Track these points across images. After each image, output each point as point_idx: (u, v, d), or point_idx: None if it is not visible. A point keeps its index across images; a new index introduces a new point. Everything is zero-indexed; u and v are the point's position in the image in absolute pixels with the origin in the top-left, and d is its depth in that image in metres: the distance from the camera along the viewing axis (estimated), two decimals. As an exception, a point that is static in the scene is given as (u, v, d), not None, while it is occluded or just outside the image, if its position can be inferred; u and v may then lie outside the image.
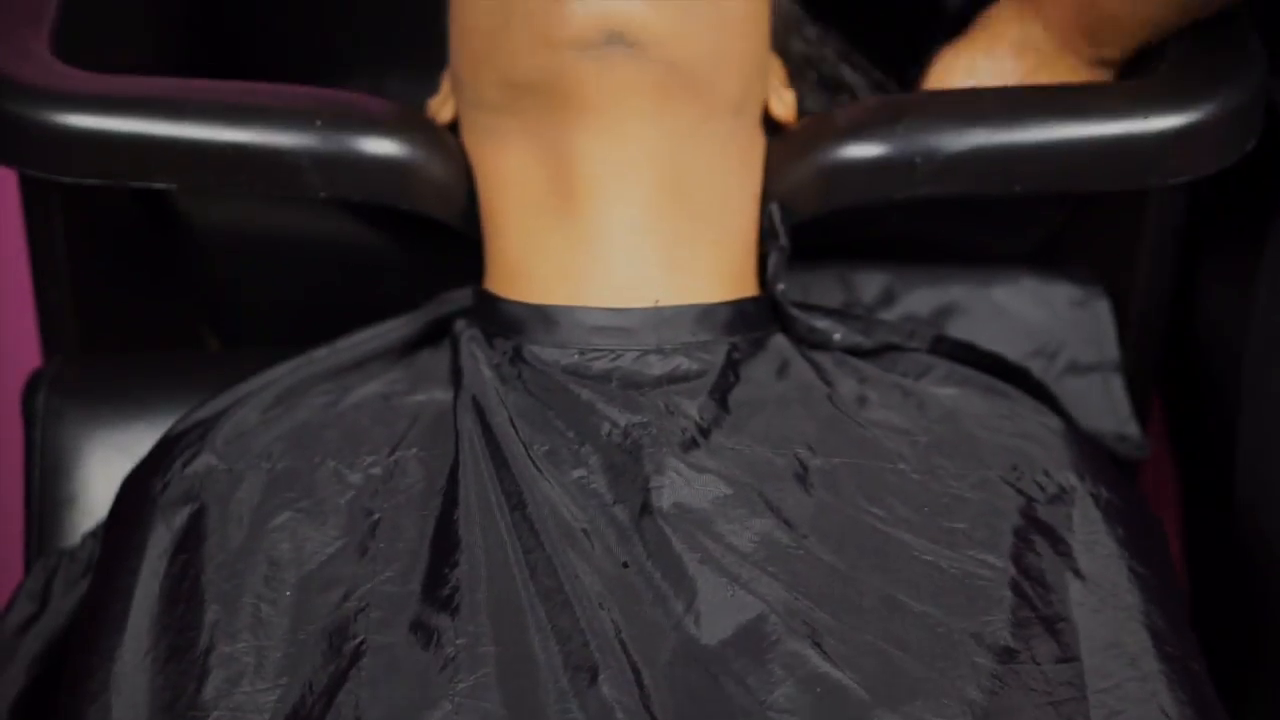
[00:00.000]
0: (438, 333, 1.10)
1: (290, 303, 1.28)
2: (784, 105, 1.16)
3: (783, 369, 1.07)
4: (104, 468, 1.18)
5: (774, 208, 1.11)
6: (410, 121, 1.12)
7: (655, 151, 1.07)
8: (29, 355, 1.29)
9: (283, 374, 1.08)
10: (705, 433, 1.03)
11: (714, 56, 1.07)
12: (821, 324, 1.09)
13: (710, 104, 1.08)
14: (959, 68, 1.20)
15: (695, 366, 1.05)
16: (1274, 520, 1.15)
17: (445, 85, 1.17)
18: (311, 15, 1.42)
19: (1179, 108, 1.10)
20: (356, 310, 1.14)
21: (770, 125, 1.15)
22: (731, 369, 1.05)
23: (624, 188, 1.06)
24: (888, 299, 1.22)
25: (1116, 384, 1.22)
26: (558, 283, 1.07)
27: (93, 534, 1.14)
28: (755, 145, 1.12)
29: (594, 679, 0.94)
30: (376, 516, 1.01)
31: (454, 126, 1.15)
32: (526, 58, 1.06)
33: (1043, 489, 1.04)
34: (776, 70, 1.17)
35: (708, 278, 1.08)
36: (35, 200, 1.20)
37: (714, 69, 1.07)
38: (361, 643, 0.96)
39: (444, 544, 0.99)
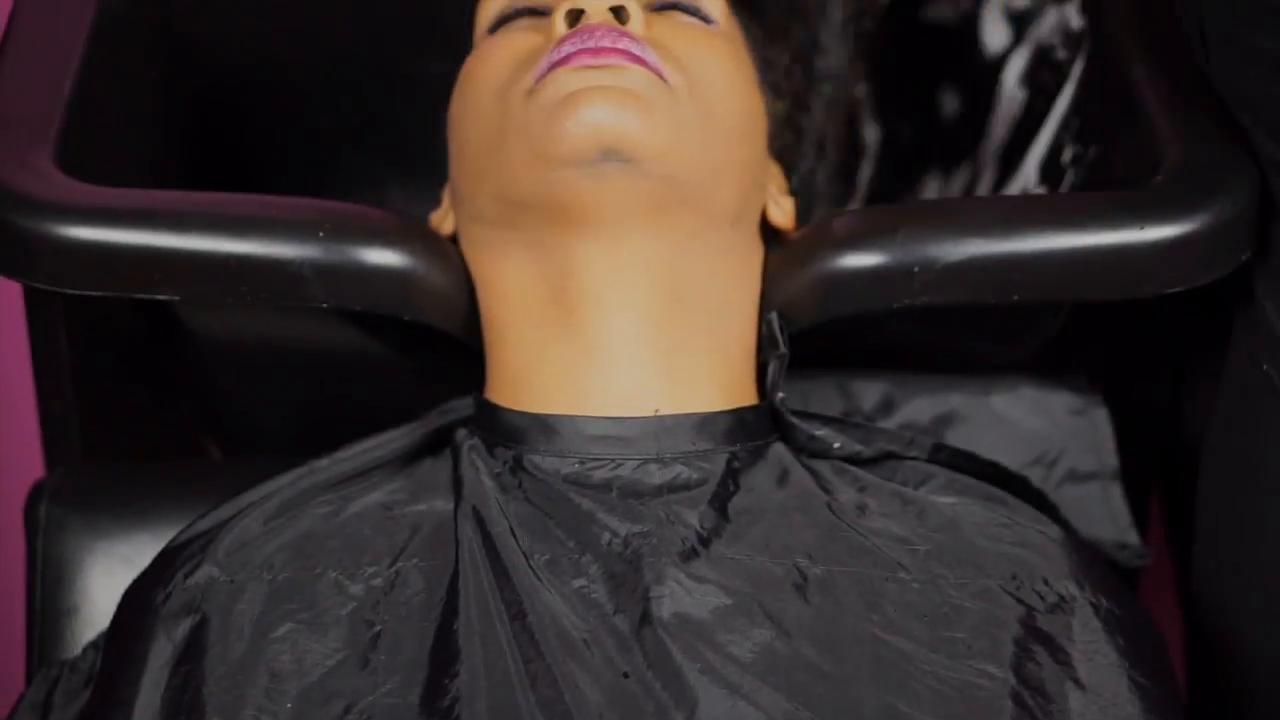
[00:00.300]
0: (439, 442, 1.11)
1: (292, 411, 1.28)
2: (782, 213, 1.17)
3: (783, 477, 1.07)
4: (106, 578, 1.18)
5: (773, 316, 1.12)
6: (411, 232, 1.13)
7: (654, 262, 1.07)
8: (31, 465, 1.30)
9: (284, 484, 1.08)
10: (705, 542, 1.03)
11: (711, 168, 1.08)
12: (821, 432, 1.10)
13: (708, 215, 1.09)
14: None
15: (695, 475, 1.05)
16: (1232, 641, 1.15)
17: (446, 199, 1.18)
18: (313, 127, 1.43)
19: (1174, 218, 1.11)
20: (358, 419, 1.14)
21: (768, 232, 1.16)
22: (731, 478, 1.05)
23: (623, 297, 1.07)
24: (887, 407, 1.22)
25: (1116, 492, 1.23)
26: (558, 392, 1.07)
27: (94, 644, 1.14)
28: (754, 253, 1.13)
29: (595, 788, 0.94)
30: (378, 629, 1.01)
31: (455, 238, 1.16)
32: (523, 174, 1.07)
33: (1042, 598, 1.04)
34: (775, 177, 1.18)
35: (707, 386, 1.08)
36: (39, 311, 1.21)
37: (711, 181, 1.08)
38: (363, 756, 0.97)
39: (444, 654, 0.99)
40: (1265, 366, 1.10)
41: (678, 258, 1.08)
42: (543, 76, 1.07)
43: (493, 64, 1.11)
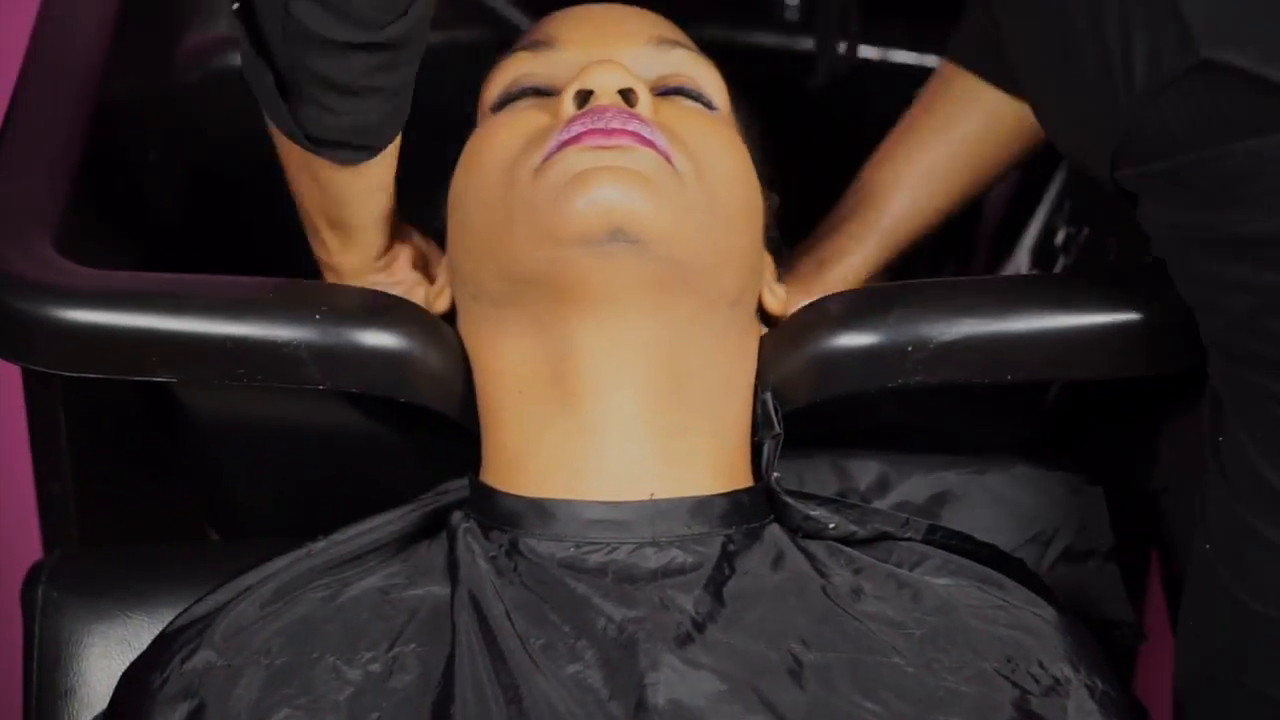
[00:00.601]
0: (435, 524, 1.11)
1: (289, 492, 1.28)
2: (776, 300, 1.17)
3: (778, 561, 1.07)
4: (103, 661, 1.18)
5: (768, 396, 1.12)
6: (408, 314, 1.13)
7: (654, 343, 1.08)
8: (29, 547, 1.30)
9: (281, 567, 1.09)
10: (700, 627, 1.03)
11: (713, 252, 1.09)
12: (816, 512, 1.10)
13: (709, 298, 1.09)
14: None
15: (690, 559, 1.05)
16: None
17: (442, 275, 1.19)
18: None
19: (1167, 299, 1.11)
20: (355, 499, 1.14)
21: (763, 316, 1.17)
22: (726, 561, 1.06)
23: (622, 379, 1.07)
24: (883, 486, 1.22)
25: (1112, 570, 1.23)
26: (554, 475, 1.07)
27: (92, 727, 1.14)
28: (750, 337, 1.14)
29: None
30: (375, 715, 1.01)
31: (450, 315, 1.17)
32: (528, 252, 1.07)
33: (1037, 681, 1.04)
34: (769, 265, 1.19)
35: (703, 469, 1.08)
36: (37, 393, 1.21)
37: (713, 264, 1.09)
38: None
39: (441, 738, 0.99)
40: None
41: (677, 339, 1.08)
42: (552, 155, 1.07)
43: (499, 142, 1.11)
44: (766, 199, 1.17)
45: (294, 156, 1.13)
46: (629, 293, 1.06)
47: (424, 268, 1.21)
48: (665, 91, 1.15)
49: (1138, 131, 1.00)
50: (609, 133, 1.06)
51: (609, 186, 1.05)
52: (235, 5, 1.06)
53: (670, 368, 1.08)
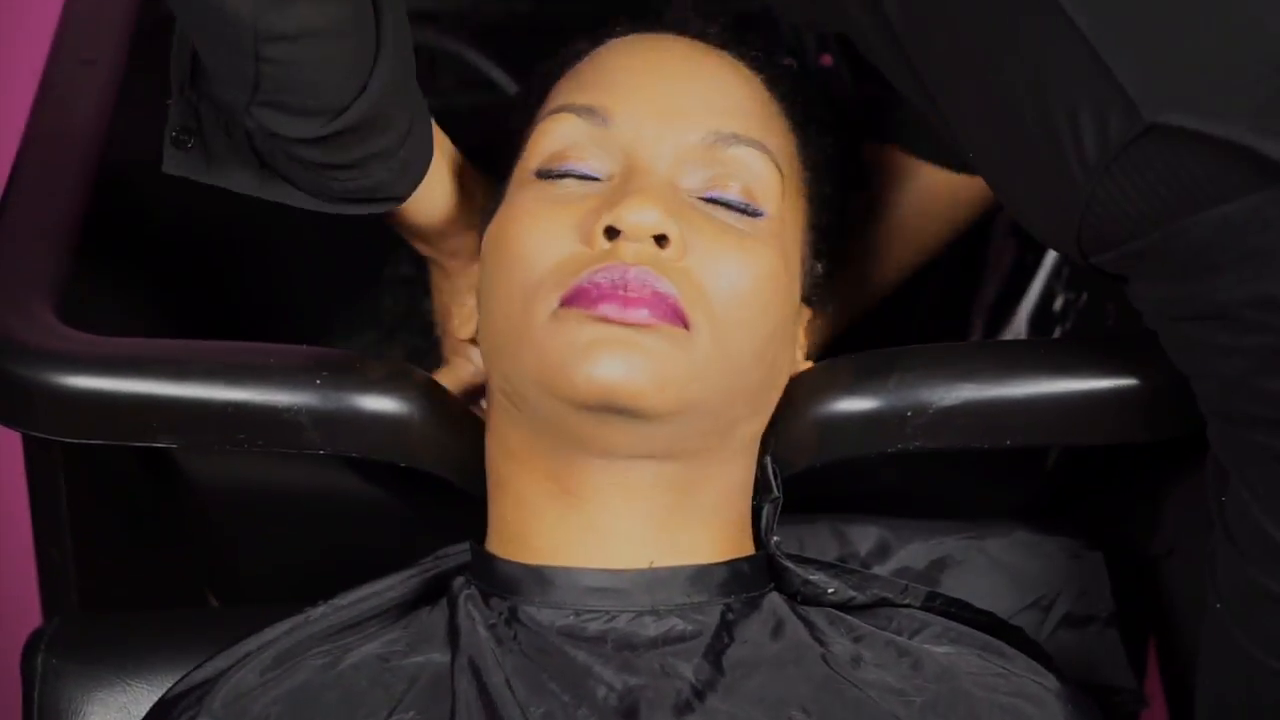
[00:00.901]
0: (435, 590, 1.11)
1: (289, 557, 1.28)
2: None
3: (777, 629, 1.07)
4: (103, 728, 1.18)
5: (768, 461, 1.12)
6: (409, 379, 1.13)
7: (660, 472, 1.07)
8: (29, 613, 1.29)
9: (281, 633, 1.08)
10: (701, 695, 1.03)
11: (726, 401, 1.07)
12: (815, 578, 1.10)
13: (720, 432, 1.08)
14: None
15: (690, 628, 1.05)
16: None
17: (471, 299, 1.18)
18: (309, 280, 1.44)
19: (1165, 364, 1.11)
20: (355, 565, 1.14)
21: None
22: (726, 630, 1.06)
23: (627, 491, 1.07)
24: (883, 551, 1.23)
25: (1112, 636, 1.23)
26: (554, 544, 1.07)
27: (91, 795, 1.14)
28: (764, 426, 1.13)
29: None
30: (375, 783, 1.01)
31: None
32: (536, 395, 1.06)
33: (1039, 749, 1.04)
34: (801, 345, 1.17)
35: (702, 537, 1.08)
36: (38, 460, 1.21)
37: (725, 410, 1.08)
38: None
39: (440, 806, 0.99)
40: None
41: (686, 466, 1.08)
42: (569, 303, 1.05)
43: (530, 247, 1.08)
44: (811, 271, 1.16)
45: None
46: (631, 450, 1.06)
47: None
48: (709, 199, 1.10)
49: (1102, 211, 1.00)
50: (627, 302, 1.04)
51: (615, 365, 1.03)
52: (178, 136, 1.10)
53: (677, 483, 1.08)
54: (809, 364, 1.18)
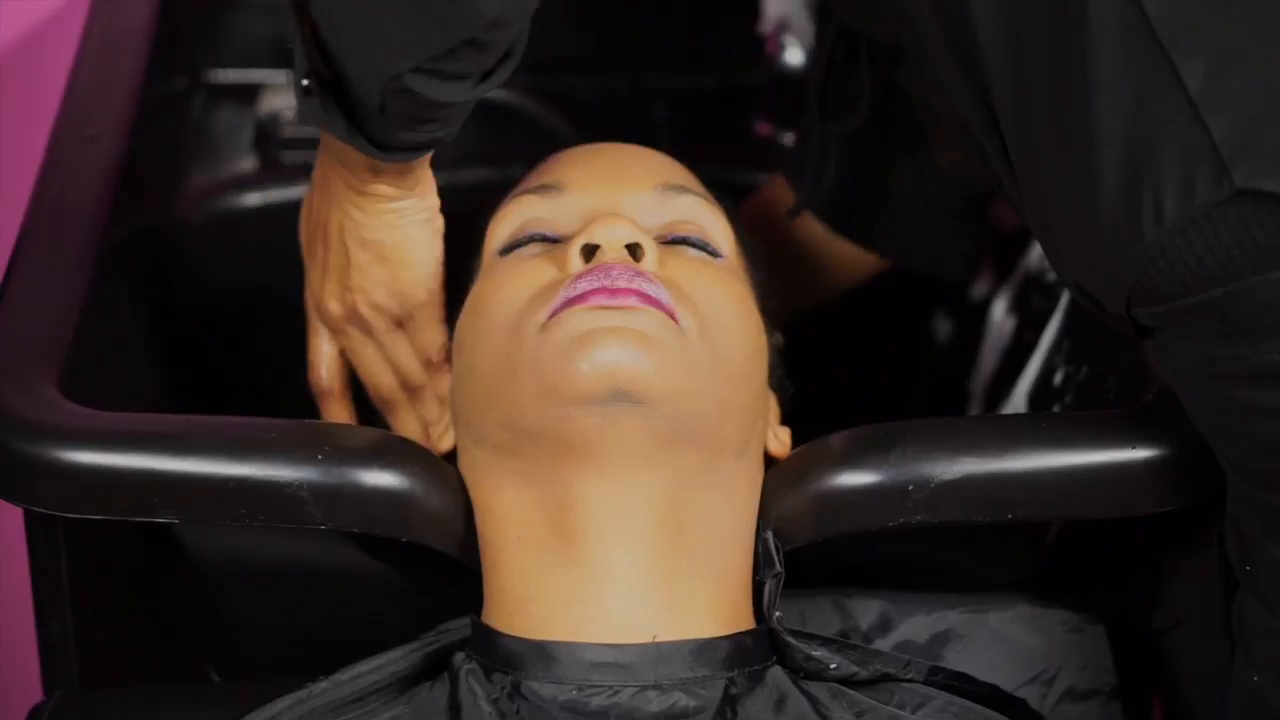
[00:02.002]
0: (437, 665, 1.11)
1: (290, 632, 1.28)
2: (780, 444, 1.17)
3: (780, 704, 1.07)
4: (102, 806, 1.17)
5: (769, 536, 1.12)
6: (410, 453, 1.13)
7: (657, 496, 1.08)
8: (29, 689, 1.29)
9: (282, 709, 1.08)
10: (705, 769, 1.03)
11: (717, 408, 1.09)
12: (818, 653, 1.10)
13: (713, 451, 1.09)
14: None
15: (693, 703, 1.05)
16: None
17: (446, 415, 1.19)
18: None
19: (1167, 437, 1.12)
20: (356, 639, 1.14)
21: (766, 459, 1.17)
22: (729, 705, 1.05)
23: (624, 531, 1.07)
24: (884, 625, 1.22)
25: (1115, 710, 1.22)
26: (556, 618, 1.07)
27: None
28: (754, 483, 1.13)
29: None
30: None
31: (452, 454, 1.17)
32: (532, 408, 1.07)
33: (1043, 823, 1.04)
34: (773, 408, 1.19)
35: (705, 612, 1.08)
36: (40, 534, 1.21)
37: (717, 419, 1.09)
38: None
39: None
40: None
41: (680, 492, 1.08)
42: (558, 312, 1.07)
43: (506, 291, 1.11)
44: (771, 340, 1.17)
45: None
46: (632, 450, 1.06)
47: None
48: (671, 240, 1.15)
49: (1165, 266, 1.00)
50: (614, 292, 1.06)
51: (613, 348, 1.05)
52: (304, 82, 1.08)
53: (673, 518, 1.08)
54: (787, 430, 1.18)
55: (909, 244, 1.37)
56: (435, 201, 1.20)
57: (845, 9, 1.20)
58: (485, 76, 1.06)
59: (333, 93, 1.08)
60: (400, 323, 1.21)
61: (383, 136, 1.10)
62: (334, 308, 1.21)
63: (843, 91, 1.31)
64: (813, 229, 1.36)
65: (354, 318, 1.21)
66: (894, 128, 1.34)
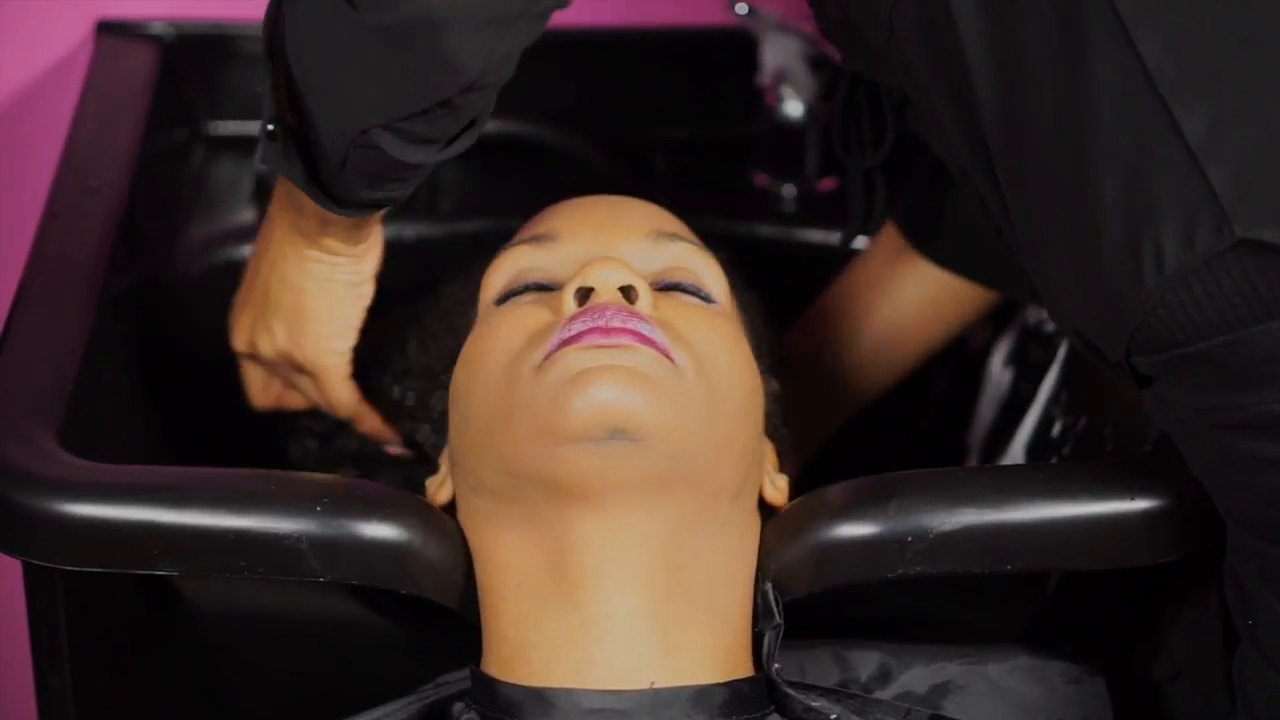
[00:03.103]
0: (436, 717, 1.11)
1: (289, 684, 1.28)
2: (777, 490, 1.17)
3: (779, 753, 1.07)
4: None
5: (768, 587, 1.12)
6: (408, 505, 1.14)
7: (654, 538, 1.08)
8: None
9: (281, 762, 1.09)
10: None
11: (713, 448, 1.09)
12: (817, 704, 1.10)
13: (709, 492, 1.09)
14: None
15: (691, 751, 1.05)
16: None
17: (444, 466, 1.19)
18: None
19: (1164, 488, 1.12)
20: (355, 691, 1.14)
21: (763, 506, 1.17)
22: (727, 753, 1.06)
23: (622, 574, 1.07)
24: (884, 677, 1.22)
25: (1115, 761, 1.22)
26: (555, 665, 1.07)
27: None
28: (751, 528, 1.14)
29: None
30: None
31: (451, 506, 1.17)
32: (528, 448, 1.07)
33: None
34: (769, 454, 1.19)
35: (703, 659, 1.08)
36: (38, 587, 1.21)
37: (713, 459, 1.09)
38: None
39: None
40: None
41: (677, 534, 1.08)
42: (552, 353, 1.08)
43: (501, 338, 1.12)
44: (767, 387, 1.17)
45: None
46: (629, 489, 1.07)
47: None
48: (665, 286, 1.16)
49: (1165, 315, 1.00)
50: (609, 331, 1.07)
51: (609, 386, 1.05)
52: (269, 126, 1.09)
53: (670, 561, 1.08)
54: (785, 477, 1.19)
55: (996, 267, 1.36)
56: (372, 268, 1.23)
57: (851, 55, 1.21)
58: (449, 143, 1.07)
59: (296, 140, 1.09)
60: (303, 371, 1.23)
61: (338, 189, 1.11)
62: (240, 340, 1.25)
63: (861, 128, 1.31)
64: (900, 282, 1.35)
65: (256, 354, 1.24)
66: None
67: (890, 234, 1.37)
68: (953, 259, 1.33)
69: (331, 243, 1.20)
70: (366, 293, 1.23)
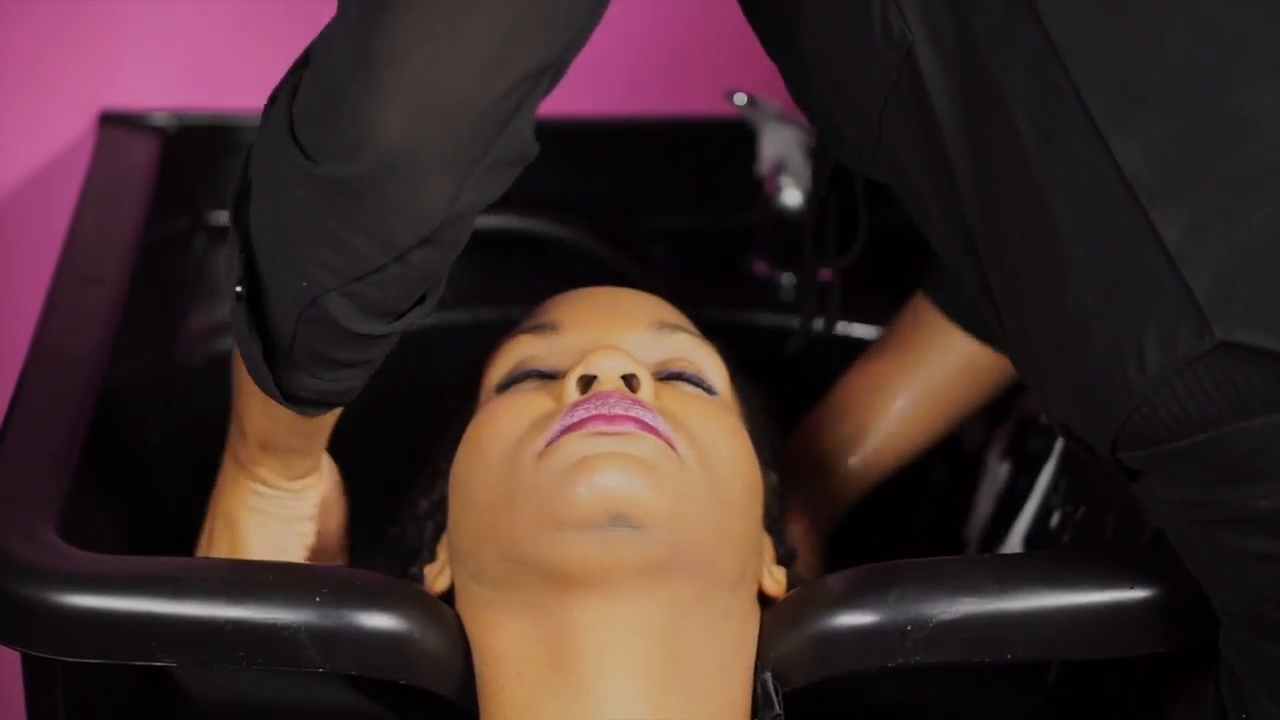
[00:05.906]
0: (434, 808, 1.11)
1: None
2: (775, 582, 1.17)
3: (779, 845, 1.06)
4: None
5: (767, 676, 1.12)
6: (408, 595, 1.13)
7: (653, 626, 1.08)
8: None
9: None
10: None
11: (714, 537, 1.09)
12: (819, 793, 1.10)
13: (709, 581, 1.09)
14: None
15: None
16: None
17: (443, 554, 1.19)
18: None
19: (1164, 577, 1.12)
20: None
21: (762, 597, 1.17)
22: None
23: (622, 662, 1.07)
24: (884, 766, 1.22)
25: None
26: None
27: None
28: (750, 618, 1.14)
29: None
30: None
31: (449, 594, 1.17)
32: (529, 535, 1.07)
33: None
34: (768, 547, 1.19)
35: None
36: (37, 678, 1.21)
37: (714, 548, 1.09)
38: None
39: None
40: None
41: (677, 622, 1.08)
42: (555, 440, 1.08)
43: (502, 424, 1.12)
44: (767, 479, 1.18)
45: (248, 386, 1.14)
46: (629, 576, 1.07)
47: (330, 505, 1.24)
48: (666, 376, 1.16)
49: (1150, 412, 1.01)
50: (612, 419, 1.07)
51: (611, 473, 1.06)
52: (239, 288, 1.08)
53: (670, 650, 1.08)
54: (783, 569, 1.19)
55: None
56: (310, 508, 1.22)
57: (842, 153, 1.22)
58: (399, 316, 1.07)
59: (253, 316, 1.08)
60: None
61: (287, 382, 1.10)
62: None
63: (836, 229, 1.32)
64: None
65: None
66: None
67: (922, 304, 1.37)
68: (982, 327, 1.33)
69: (266, 473, 1.20)
70: (304, 531, 1.22)
